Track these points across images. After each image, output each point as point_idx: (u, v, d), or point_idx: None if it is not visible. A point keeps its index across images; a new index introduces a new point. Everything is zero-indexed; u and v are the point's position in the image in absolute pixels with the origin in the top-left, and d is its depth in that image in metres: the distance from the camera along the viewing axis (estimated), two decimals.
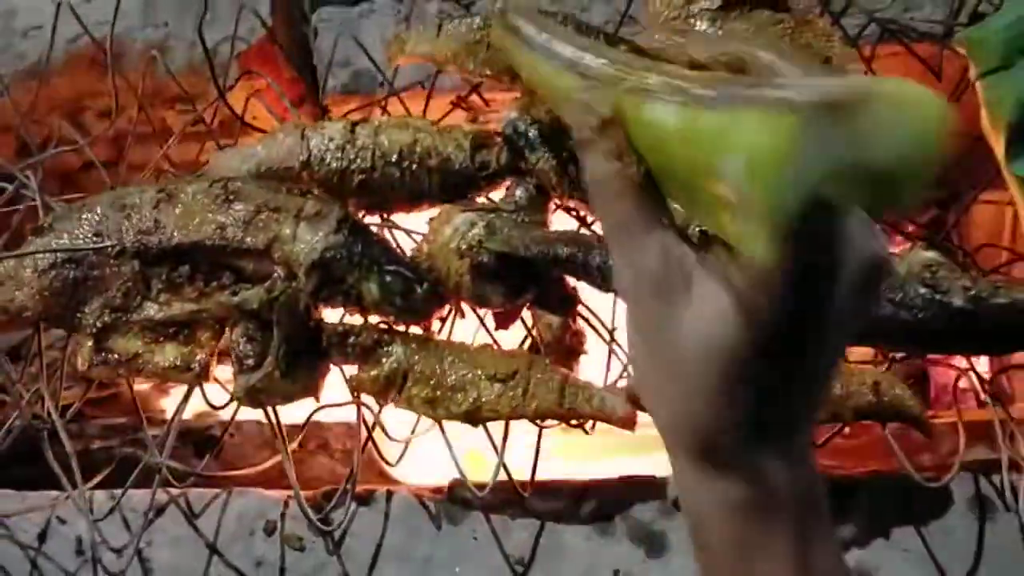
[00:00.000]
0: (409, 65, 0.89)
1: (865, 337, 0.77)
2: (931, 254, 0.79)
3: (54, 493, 0.83)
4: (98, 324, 0.78)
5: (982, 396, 0.85)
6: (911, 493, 0.80)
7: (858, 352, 0.82)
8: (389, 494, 0.81)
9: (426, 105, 0.93)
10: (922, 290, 0.76)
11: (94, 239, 0.78)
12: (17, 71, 0.98)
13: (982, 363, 0.99)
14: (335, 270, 0.75)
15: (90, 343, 0.78)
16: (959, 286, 0.75)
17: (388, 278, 0.75)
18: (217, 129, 0.95)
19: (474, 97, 0.91)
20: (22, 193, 0.86)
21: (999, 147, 0.80)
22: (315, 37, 0.99)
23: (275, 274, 0.76)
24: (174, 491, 0.82)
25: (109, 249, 0.78)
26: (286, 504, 0.82)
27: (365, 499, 0.81)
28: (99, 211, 0.80)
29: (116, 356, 0.78)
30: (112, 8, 0.95)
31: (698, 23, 0.83)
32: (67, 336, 0.81)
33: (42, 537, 0.82)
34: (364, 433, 0.79)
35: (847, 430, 0.88)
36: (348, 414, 0.81)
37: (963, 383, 0.96)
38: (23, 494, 0.85)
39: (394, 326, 0.77)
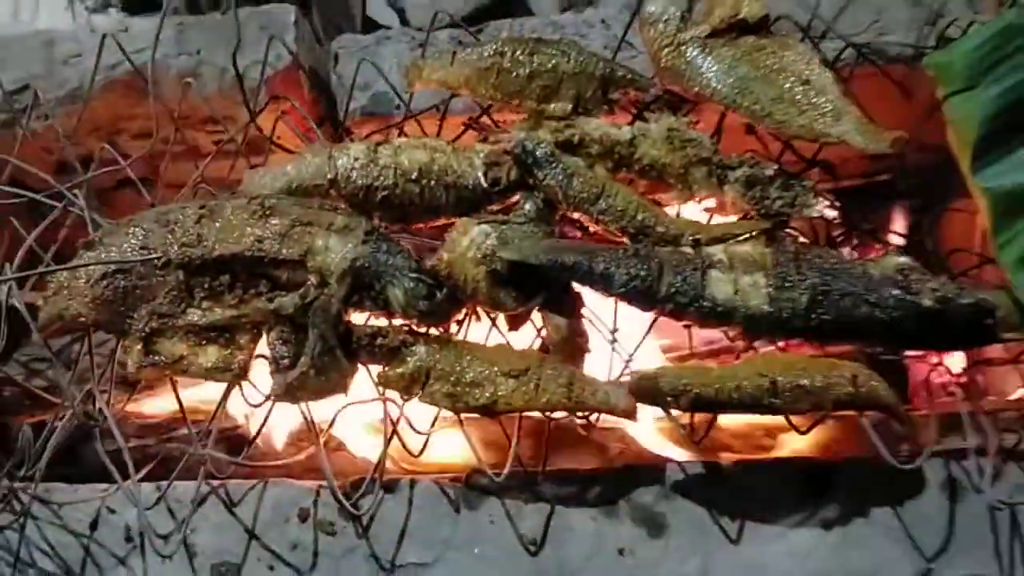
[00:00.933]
0: (424, 89, 0.96)
1: (843, 335, 0.85)
2: (904, 259, 0.87)
3: (103, 486, 0.91)
4: (146, 329, 0.85)
5: (950, 389, 0.93)
6: (889, 477, 0.88)
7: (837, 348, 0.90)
8: (412, 482, 0.89)
9: (440, 126, 1.01)
10: (895, 292, 0.84)
11: (142, 251, 0.86)
12: (58, 97, 1.05)
13: (958, 359, 1.06)
14: (364, 277, 0.83)
15: (139, 347, 0.86)
16: (928, 288, 0.84)
17: (411, 285, 0.83)
18: (245, 148, 1.02)
19: (485, 119, 0.98)
20: (68, 210, 0.94)
21: (965, 161, 0.88)
22: (335, 63, 1.07)
23: (309, 282, 0.84)
24: (215, 482, 0.90)
25: (156, 261, 0.85)
26: (318, 493, 0.90)
27: (390, 487, 0.89)
28: (145, 226, 0.88)
29: (163, 358, 0.85)
30: (146, 38, 1.03)
31: (689, 49, 0.92)
32: (116, 341, 0.89)
33: (93, 525, 0.90)
34: (390, 427, 0.87)
35: None
36: (375, 409, 0.89)
37: (943, 378, 1.04)
38: (75, 487, 0.92)
39: (417, 328, 0.85)
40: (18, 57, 1.06)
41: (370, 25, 1.54)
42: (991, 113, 0.86)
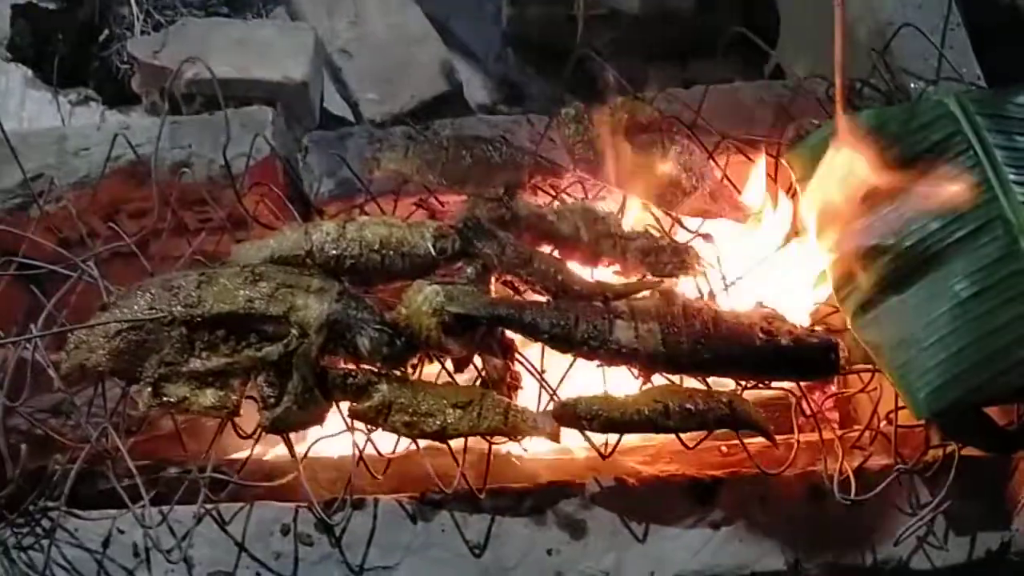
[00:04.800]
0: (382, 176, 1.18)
1: (720, 369, 1.06)
2: (768, 309, 1.09)
3: (112, 511, 1.07)
4: (155, 376, 1.03)
5: (806, 416, 1.14)
6: (764, 487, 1.08)
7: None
8: (376, 500, 1.07)
9: (395, 206, 1.21)
10: (760, 335, 1.06)
11: (150, 311, 1.04)
12: (69, 183, 1.24)
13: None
14: (337, 329, 1.02)
15: (149, 390, 1.03)
16: (786, 331, 1.06)
17: (376, 334, 1.03)
18: (229, 225, 1.22)
19: (432, 200, 1.19)
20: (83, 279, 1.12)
21: (813, 232, 1.11)
22: (306, 153, 1.28)
23: (291, 334, 1.02)
24: (208, 505, 1.07)
25: (163, 319, 1.03)
26: (296, 511, 1.07)
27: (358, 504, 1.06)
28: (152, 291, 1.05)
29: (169, 399, 1.03)
30: (144, 134, 1.23)
31: (596, 144, 1.15)
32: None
33: (105, 543, 1.05)
34: (356, 452, 1.05)
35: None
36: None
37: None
38: (88, 511, 1.07)
39: (380, 370, 1.04)
40: (35, 150, 1.24)
41: (326, 117, 1.76)
42: (830, 195, 1.10)
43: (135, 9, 1.71)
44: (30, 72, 1.81)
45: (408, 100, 1.69)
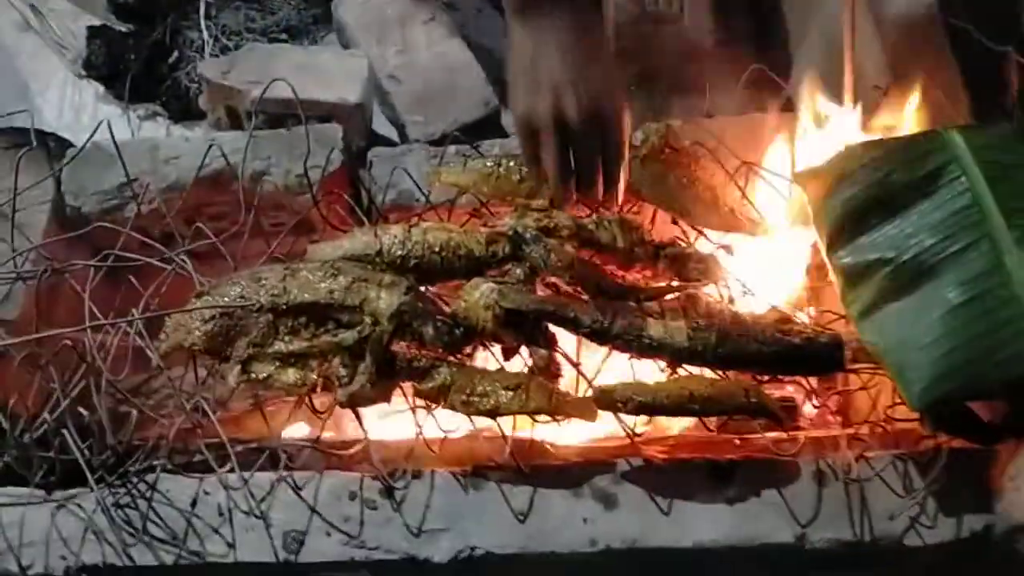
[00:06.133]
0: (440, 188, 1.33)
1: (739, 364, 1.21)
2: (781, 312, 1.24)
3: (198, 475, 1.21)
4: (243, 356, 1.18)
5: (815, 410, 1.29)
6: (775, 468, 1.22)
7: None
8: (433, 471, 1.21)
9: (449, 215, 1.37)
10: (775, 334, 1.20)
11: (241, 299, 1.19)
12: (160, 188, 1.39)
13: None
14: (405, 319, 1.17)
15: (238, 368, 1.17)
16: (797, 331, 1.21)
17: (438, 325, 1.17)
18: (299, 229, 1.37)
19: (484, 209, 1.35)
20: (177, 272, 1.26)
21: (823, 247, 1.25)
22: (370, 167, 1.43)
23: (365, 322, 1.17)
24: (284, 473, 1.20)
25: (252, 307, 1.18)
26: (362, 480, 1.20)
27: (417, 474, 1.20)
28: (243, 282, 1.20)
29: (256, 376, 1.17)
30: (227, 146, 1.39)
31: (632, 165, 1.30)
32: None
33: (193, 504, 1.19)
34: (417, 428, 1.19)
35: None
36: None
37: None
38: (175, 476, 1.21)
39: (441, 356, 1.19)
40: (129, 157, 1.40)
41: (375, 136, 1.91)
42: (838, 215, 1.23)
43: (204, 34, 1.88)
44: (102, 88, 1.98)
45: (451, 123, 1.83)
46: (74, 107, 1.95)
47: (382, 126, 1.91)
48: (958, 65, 1.47)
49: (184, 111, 1.93)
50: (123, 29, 1.99)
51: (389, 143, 1.87)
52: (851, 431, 1.26)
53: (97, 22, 1.99)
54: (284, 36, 1.97)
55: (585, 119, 1.11)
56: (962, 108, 1.40)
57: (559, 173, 1.13)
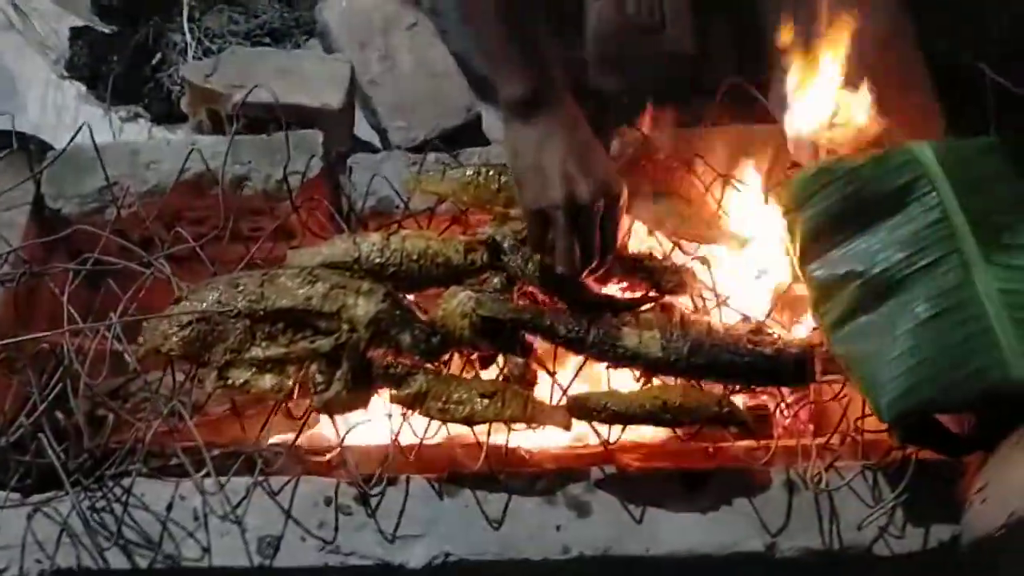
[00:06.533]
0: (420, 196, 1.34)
1: (712, 374, 1.22)
2: (753, 323, 1.26)
3: (175, 480, 1.21)
4: (220, 361, 1.18)
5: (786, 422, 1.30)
6: (747, 477, 1.24)
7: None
8: (408, 477, 1.21)
9: (429, 223, 1.38)
10: (747, 345, 1.22)
11: (218, 305, 1.19)
12: (140, 192, 1.39)
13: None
14: (382, 327, 1.18)
15: (215, 374, 1.18)
16: (768, 342, 1.22)
17: (416, 332, 1.18)
18: (278, 234, 1.37)
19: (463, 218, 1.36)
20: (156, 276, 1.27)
21: (796, 257, 1.27)
22: (350, 173, 1.44)
23: (342, 329, 1.18)
24: (260, 478, 1.21)
25: (229, 312, 1.19)
26: (337, 485, 1.21)
27: (392, 480, 1.21)
28: (221, 287, 1.21)
29: (232, 382, 1.18)
30: (208, 151, 1.39)
31: None
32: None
33: (169, 508, 1.19)
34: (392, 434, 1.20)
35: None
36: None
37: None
38: (151, 481, 1.22)
39: (418, 363, 1.20)
40: (110, 161, 1.40)
41: (356, 141, 1.92)
42: (810, 228, 1.25)
43: (187, 36, 1.88)
44: (84, 89, 1.98)
45: (433, 128, 1.84)
46: (56, 107, 1.95)
47: (364, 131, 1.91)
48: (932, 80, 1.50)
49: (166, 113, 1.93)
50: (106, 30, 1.99)
51: (371, 148, 1.88)
52: (822, 441, 1.28)
53: (80, 23, 1.99)
54: (267, 40, 1.97)
55: (595, 200, 1.17)
56: (936, 124, 1.42)
57: (572, 255, 1.18)
